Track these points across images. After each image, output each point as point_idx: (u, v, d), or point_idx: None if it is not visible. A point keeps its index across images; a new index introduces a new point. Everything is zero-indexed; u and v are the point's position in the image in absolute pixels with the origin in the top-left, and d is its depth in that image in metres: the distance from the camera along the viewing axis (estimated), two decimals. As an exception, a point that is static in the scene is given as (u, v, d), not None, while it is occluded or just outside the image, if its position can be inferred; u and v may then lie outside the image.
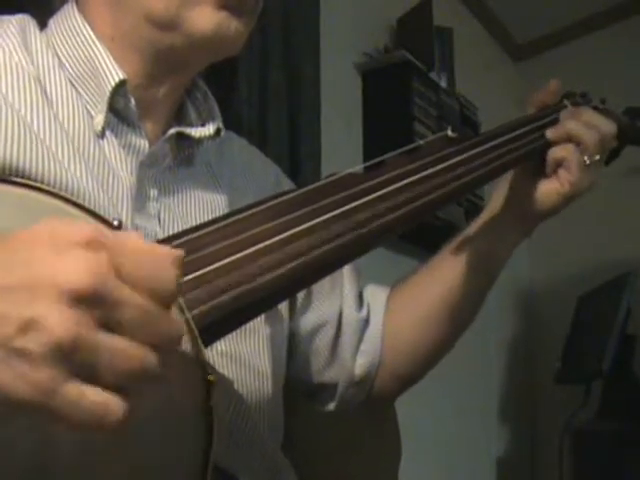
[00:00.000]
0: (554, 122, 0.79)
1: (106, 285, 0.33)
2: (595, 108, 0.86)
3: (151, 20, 0.62)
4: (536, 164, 0.78)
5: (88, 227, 0.35)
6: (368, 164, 0.66)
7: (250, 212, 0.55)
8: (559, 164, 0.76)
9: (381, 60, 2.22)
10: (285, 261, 0.52)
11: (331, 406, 0.86)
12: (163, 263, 0.36)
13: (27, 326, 0.32)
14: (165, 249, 0.37)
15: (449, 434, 2.38)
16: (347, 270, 0.85)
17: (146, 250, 0.36)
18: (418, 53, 2.20)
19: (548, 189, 0.77)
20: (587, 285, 2.50)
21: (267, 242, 0.52)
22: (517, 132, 0.77)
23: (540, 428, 2.92)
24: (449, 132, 0.71)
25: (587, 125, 0.76)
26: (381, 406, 0.97)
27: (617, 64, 2.84)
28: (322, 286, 0.82)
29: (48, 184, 0.56)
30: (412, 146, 0.69)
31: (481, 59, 2.96)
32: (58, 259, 0.33)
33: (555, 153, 0.76)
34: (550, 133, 0.78)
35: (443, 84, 2.36)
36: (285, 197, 0.57)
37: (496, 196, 0.82)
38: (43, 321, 0.32)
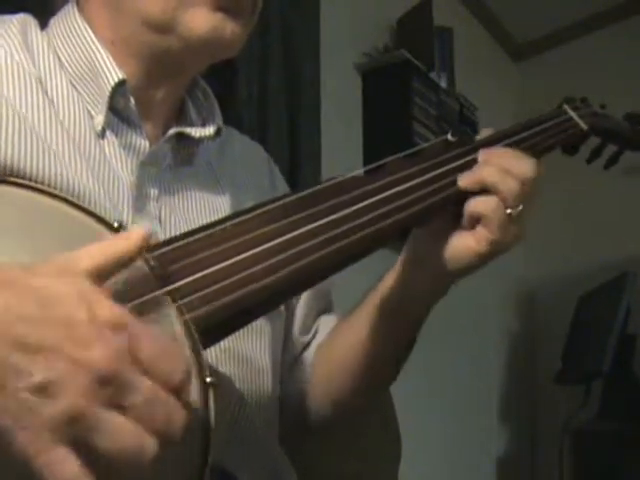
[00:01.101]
0: (471, 164, 0.65)
1: (123, 370, 0.36)
2: (595, 113, 0.86)
3: (148, 23, 0.63)
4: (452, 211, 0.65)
5: (117, 309, 0.38)
6: (368, 168, 0.65)
7: (248, 216, 0.55)
8: (477, 219, 0.62)
9: (381, 60, 2.22)
10: (283, 264, 0.52)
11: None
12: (176, 355, 0.39)
13: (44, 388, 0.34)
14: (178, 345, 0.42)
15: (449, 434, 2.37)
16: (306, 292, 0.80)
17: (163, 341, 0.39)
18: (418, 53, 2.20)
19: (463, 245, 0.63)
20: (587, 285, 2.49)
21: (265, 245, 0.52)
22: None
23: (540, 428, 2.92)
24: (449, 136, 0.70)
25: (503, 171, 0.62)
26: (381, 406, 0.96)
27: (617, 64, 2.83)
28: None
29: (50, 184, 0.56)
30: (413, 150, 0.69)
31: (481, 59, 2.95)
32: (89, 336, 0.36)
33: (472, 207, 0.62)
34: (462, 182, 0.63)
35: (443, 84, 2.36)
36: (284, 201, 0.57)
37: (406, 249, 0.70)
38: (60, 390, 0.34)
